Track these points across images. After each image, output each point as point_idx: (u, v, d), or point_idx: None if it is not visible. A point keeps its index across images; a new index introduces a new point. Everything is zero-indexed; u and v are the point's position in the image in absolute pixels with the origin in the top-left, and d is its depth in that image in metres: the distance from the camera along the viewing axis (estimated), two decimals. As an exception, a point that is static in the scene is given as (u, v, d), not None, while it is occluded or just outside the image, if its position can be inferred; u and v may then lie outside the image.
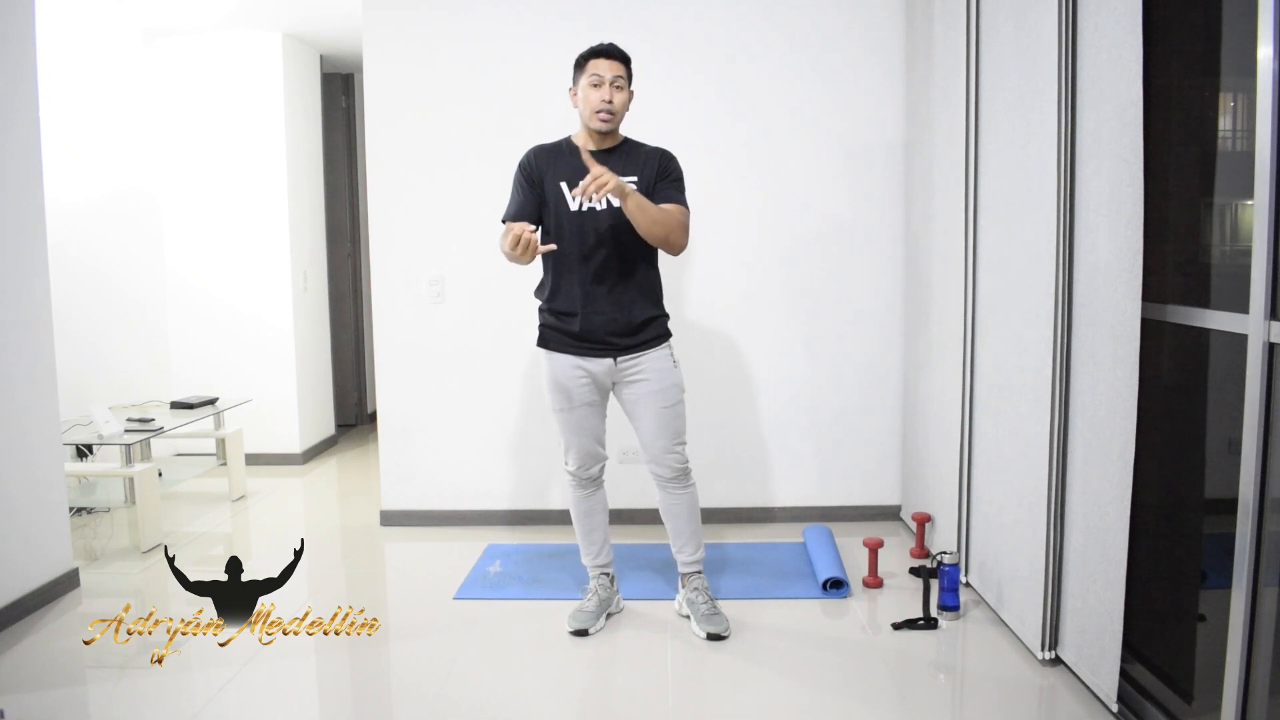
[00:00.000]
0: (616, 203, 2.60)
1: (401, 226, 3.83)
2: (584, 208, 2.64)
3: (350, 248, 5.90)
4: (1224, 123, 2.12)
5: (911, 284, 3.71)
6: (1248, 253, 1.79)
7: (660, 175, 2.68)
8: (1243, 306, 1.82)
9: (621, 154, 2.70)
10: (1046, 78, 2.40)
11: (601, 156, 2.66)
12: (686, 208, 2.69)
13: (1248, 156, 1.80)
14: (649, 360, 2.70)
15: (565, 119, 3.69)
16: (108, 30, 4.53)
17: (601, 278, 2.65)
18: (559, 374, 2.72)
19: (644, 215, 2.53)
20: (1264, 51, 1.74)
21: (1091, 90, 2.24)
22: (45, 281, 3.12)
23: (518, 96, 3.75)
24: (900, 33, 3.70)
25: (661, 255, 2.76)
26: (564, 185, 2.66)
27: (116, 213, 4.58)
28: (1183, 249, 2.24)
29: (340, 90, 5.77)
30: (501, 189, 3.84)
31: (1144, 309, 2.06)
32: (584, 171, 2.61)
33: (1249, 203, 1.81)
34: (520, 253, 2.46)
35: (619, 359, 2.69)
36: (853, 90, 3.73)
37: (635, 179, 2.66)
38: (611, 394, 2.79)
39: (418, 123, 3.78)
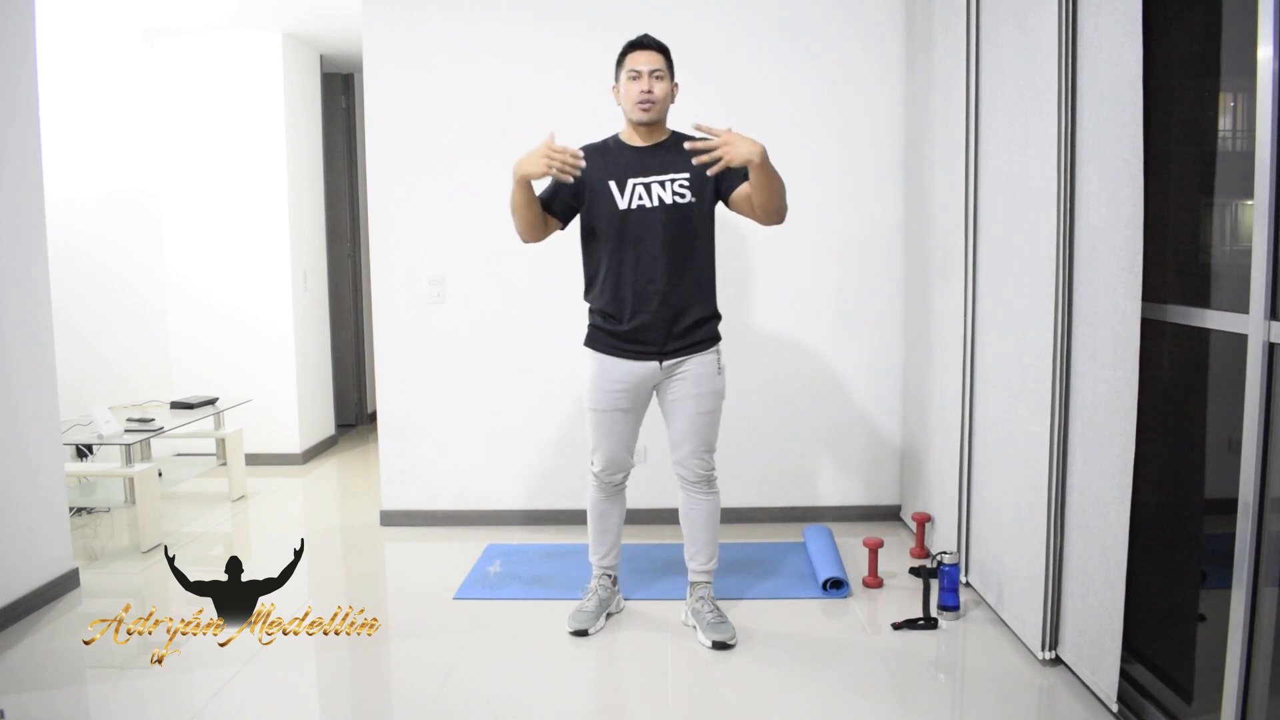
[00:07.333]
0: (669, 199, 2.57)
1: (401, 226, 3.83)
2: (633, 205, 2.59)
3: (350, 248, 5.90)
4: (1224, 123, 2.12)
5: (911, 284, 3.71)
6: (1248, 253, 1.79)
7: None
8: (1243, 306, 1.82)
9: (669, 148, 2.64)
10: (1046, 78, 2.40)
11: (649, 151, 2.63)
12: None
13: (1248, 156, 1.80)
14: (693, 364, 2.66)
15: (565, 117, 3.71)
16: (108, 30, 4.52)
17: (652, 278, 2.59)
18: (600, 375, 2.69)
19: (772, 182, 2.45)
20: (1264, 51, 1.74)
21: (1091, 90, 2.24)
22: (45, 281, 3.12)
23: (517, 96, 3.75)
24: (900, 33, 3.70)
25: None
26: (613, 184, 2.60)
27: (116, 213, 4.58)
28: (1183, 249, 2.24)
29: (340, 90, 5.77)
30: (502, 188, 3.87)
31: (1144, 309, 2.06)
32: (631, 168, 2.60)
33: (1249, 203, 1.81)
34: (554, 168, 2.40)
35: (664, 362, 2.65)
36: (853, 90, 3.73)
37: (686, 175, 2.59)
38: (654, 392, 2.75)
39: (418, 122, 3.78)
